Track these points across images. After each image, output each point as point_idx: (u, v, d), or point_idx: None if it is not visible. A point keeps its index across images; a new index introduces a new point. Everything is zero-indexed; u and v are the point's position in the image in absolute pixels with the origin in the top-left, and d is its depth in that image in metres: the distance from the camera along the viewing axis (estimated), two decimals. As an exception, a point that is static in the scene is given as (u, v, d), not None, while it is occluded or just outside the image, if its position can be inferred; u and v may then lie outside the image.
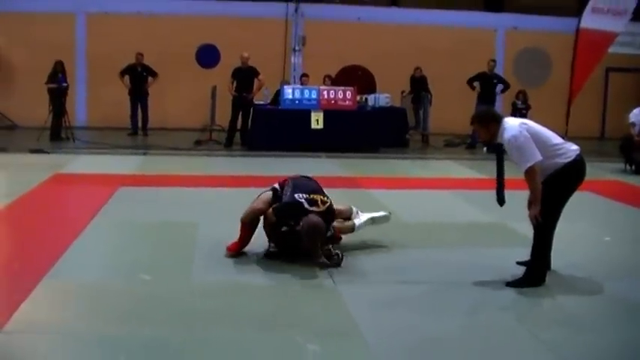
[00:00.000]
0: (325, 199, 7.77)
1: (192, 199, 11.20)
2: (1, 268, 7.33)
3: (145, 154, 16.78)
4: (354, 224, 8.50)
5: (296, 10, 22.68)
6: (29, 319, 5.89)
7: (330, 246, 7.76)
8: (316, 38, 22.34)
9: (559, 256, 7.41)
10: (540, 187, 6.81)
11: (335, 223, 8.17)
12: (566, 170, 6.95)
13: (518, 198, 7.29)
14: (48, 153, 16.23)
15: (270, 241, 7.92)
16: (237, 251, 7.82)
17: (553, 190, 6.91)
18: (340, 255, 7.65)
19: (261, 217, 7.84)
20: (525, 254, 7.25)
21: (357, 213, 8.67)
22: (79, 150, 16.98)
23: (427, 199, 12.06)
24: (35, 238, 8.62)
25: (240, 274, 7.30)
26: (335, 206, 8.03)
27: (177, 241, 8.49)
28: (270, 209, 7.70)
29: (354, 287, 6.97)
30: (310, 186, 7.97)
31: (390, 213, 8.97)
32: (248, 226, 7.81)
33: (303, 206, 7.55)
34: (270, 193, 7.91)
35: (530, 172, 6.76)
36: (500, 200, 7.59)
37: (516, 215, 8.00)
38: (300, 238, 7.55)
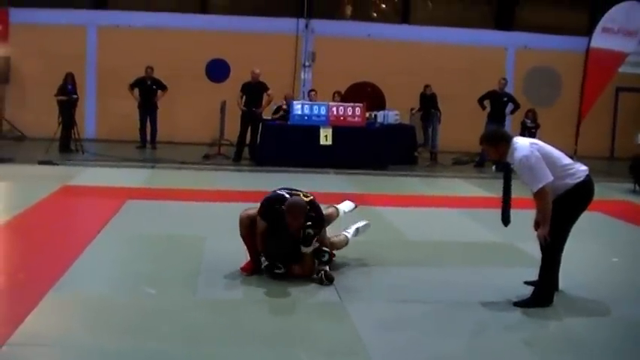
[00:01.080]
0: (308, 194, 7.82)
1: (200, 214, 11.19)
2: (7, 280, 7.33)
3: (153, 167, 16.78)
4: (347, 238, 8.51)
5: (306, 26, 22.76)
6: (34, 332, 5.88)
7: (327, 267, 7.71)
8: (326, 54, 22.39)
9: (567, 277, 7.38)
10: (550, 207, 6.74)
11: (331, 237, 8.23)
12: (576, 191, 6.90)
13: (525, 218, 7.28)
14: (57, 165, 16.24)
15: (264, 256, 7.85)
16: (250, 271, 7.78)
17: (562, 210, 6.83)
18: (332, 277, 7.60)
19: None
20: (532, 274, 7.22)
21: (344, 212, 8.80)
22: (87, 162, 17.01)
23: (435, 217, 12.02)
24: (42, 251, 8.61)
25: (246, 289, 7.27)
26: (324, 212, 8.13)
27: (184, 255, 8.47)
28: (257, 214, 7.69)
29: (360, 305, 6.95)
30: (294, 188, 8.03)
31: (369, 221, 8.98)
32: (248, 238, 7.78)
33: (284, 196, 7.63)
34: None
35: (541, 193, 6.71)
36: (506, 220, 7.61)
37: (523, 235, 7.98)
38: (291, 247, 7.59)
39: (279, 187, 8.00)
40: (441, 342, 6.08)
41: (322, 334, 6.21)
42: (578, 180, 6.91)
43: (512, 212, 7.55)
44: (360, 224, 8.80)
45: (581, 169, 7.02)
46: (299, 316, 6.68)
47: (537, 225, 7.00)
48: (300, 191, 7.88)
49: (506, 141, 6.98)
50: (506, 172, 7.37)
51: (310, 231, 7.54)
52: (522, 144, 6.91)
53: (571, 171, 6.94)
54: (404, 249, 9.41)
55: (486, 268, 8.54)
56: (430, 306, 7.02)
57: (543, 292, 7.05)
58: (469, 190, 15.04)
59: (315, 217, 7.59)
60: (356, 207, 9.21)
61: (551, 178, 6.70)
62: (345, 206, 8.99)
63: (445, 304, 7.08)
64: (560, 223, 6.88)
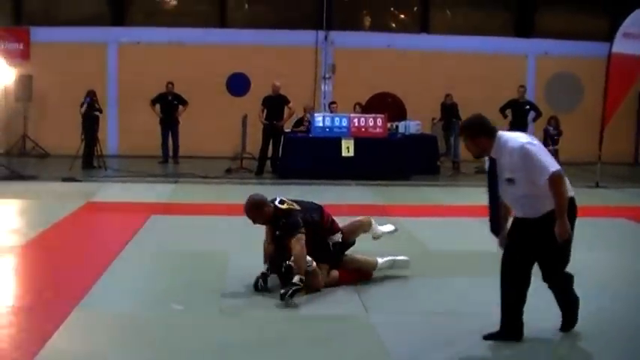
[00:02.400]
0: (294, 205, 7.87)
1: (224, 228, 11.19)
2: (34, 298, 7.36)
3: (175, 182, 16.81)
4: (376, 261, 8.38)
5: (326, 38, 22.80)
6: (62, 349, 5.90)
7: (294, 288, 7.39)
8: (346, 66, 22.44)
9: (599, 286, 7.25)
10: (567, 199, 5.87)
11: (359, 257, 8.24)
12: (572, 206, 6.01)
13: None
14: (80, 181, 16.32)
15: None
16: None
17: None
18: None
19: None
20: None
21: (375, 225, 8.66)
22: (110, 178, 17.08)
23: (457, 227, 11.96)
24: (68, 267, 8.65)
25: (272, 304, 7.24)
26: (353, 220, 8.37)
27: (209, 271, 8.47)
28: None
29: (385, 317, 6.93)
30: (300, 200, 8.16)
31: (408, 259, 8.68)
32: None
33: (274, 200, 7.91)
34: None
35: (557, 177, 5.75)
36: (496, 230, 6.51)
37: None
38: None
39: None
40: (466, 353, 6.04)
41: (348, 346, 6.19)
42: (571, 194, 6.01)
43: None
44: (399, 258, 8.61)
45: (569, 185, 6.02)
46: (325, 329, 6.64)
47: (499, 226, 6.38)
48: (294, 201, 7.96)
49: (486, 134, 6.07)
50: (492, 171, 6.16)
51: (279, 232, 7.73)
52: (515, 134, 6.14)
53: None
54: (427, 260, 9.36)
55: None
56: (454, 317, 6.97)
57: (573, 312, 6.44)
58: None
59: (285, 223, 7.65)
60: (396, 230, 9.07)
61: (558, 166, 5.81)
62: (386, 227, 8.88)
63: (469, 315, 7.03)
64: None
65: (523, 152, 5.82)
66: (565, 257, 6.16)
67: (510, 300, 6.19)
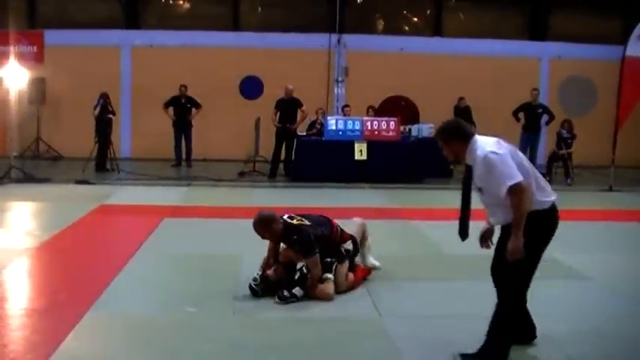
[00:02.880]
0: (304, 220, 7.87)
1: (236, 231, 11.14)
2: (47, 300, 7.38)
3: (189, 185, 16.83)
4: (374, 265, 8.54)
5: (338, 41, 22.79)
6: (75, 351, 5.91)
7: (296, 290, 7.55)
8: (359, 69, 22.44)
9: (604, 298, 7.21)
10: (528, 208, 5.58)
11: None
12: (545, 219, 5.78)
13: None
14: (93, 184, 16.37)
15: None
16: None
17: (532, 235, 5.66)
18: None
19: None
20: (570, 286, 7.02)
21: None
22: (123, 181, 17.10)
23: (471, 230, 11.88)
24: (81, 270, 8.68)
25: (285, 307, 7.24)
26: (357, 225, 8.49)
27: (222, 273, 8.47)
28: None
29: (399, 320, 6.92)
30: (308, 215, 8.15)
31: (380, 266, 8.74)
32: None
33: (282, 216, 7.84)
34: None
35: (516, 190, 5.49)
36: (463, 234, 6.45)
37: (562, 246, 7.87)
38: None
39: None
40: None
41: (361, 350, 6.18)
42: (544, 206, 5.76)
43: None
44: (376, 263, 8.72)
45: (549, 194, 5.86)
46: (339, 332, 6.63)
47: (484, 238, 6.31)
48: (302, 216, 7.97)
49: (458, 138, 5.86)
50: (466, 176, 5.98)
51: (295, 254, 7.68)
52: (485, 141, 5.79)
53: (542, 190, 5.80)
54: (441, 263, 9.35)
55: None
56: (469, 320, 6.94)
57: (495, 344, 5.93)
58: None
59: (297, 241, 7.60)
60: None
61: (520, 178, 5.51)
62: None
63: (484, 318, 6.98)
64: (530, 250, 5.69)
65: (485, 162, 5.62)
66: (512, 276, 5.83)
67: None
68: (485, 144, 5.71)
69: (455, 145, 5.88)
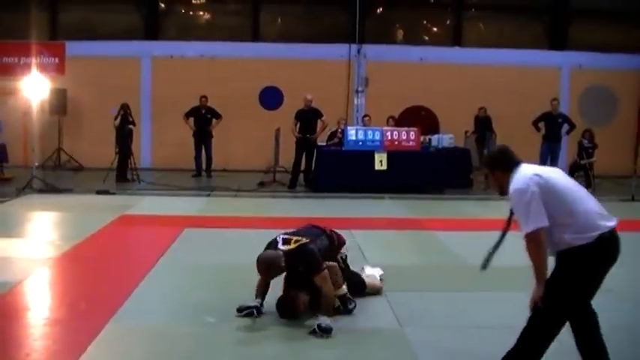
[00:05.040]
0: (300, 239, 7.43)
1: (257, 241, 11.11)
2: (69, 310, 7.40)
3: (209, 195, 16.86)
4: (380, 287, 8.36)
5: (358, 52, 22.80)
6: (96, 362, 5.92)
7: (347, 294, 7.47)
8: (379, 79, 22.43)
9: (625, 311, 7.14)
10: (543, 260, 5.25)
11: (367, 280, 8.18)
12: (589, 252, 5.19)
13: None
14: (114, 194, 16.43)
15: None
16: None
17: (571, 276, 5.27)
18: (354, 304, 7.42)
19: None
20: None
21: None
22: (144, 191, 17.15)
23: (491, 241, 11.81)
24: (102, 280, 8.70)
25: (305, 318, 7.20)
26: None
27: (243, 284, 8.42)
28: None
29: (420, 331, 6.88)
30: (301, 230, 7.83)
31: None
32: None
33: (277, 244, 7.39)
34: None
35: (530, 240, 5.23)
36: (485, 264, 6.17)
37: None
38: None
39: (285, 231, 7.73)
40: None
41: (384, 361, 6.16)
42: (589, 239, 5.17)
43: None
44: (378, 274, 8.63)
45: (599, 224, 5.24)
46: (360, 343, 6.60)
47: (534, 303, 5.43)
48: (300, 236, 7.55)
49: (501, 168, 5.56)
50: (511, 211, 5.56)
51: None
52: (522, 173, 5.39)
53: (581, 221, 5.22)
54: (463, 274, 9.30)
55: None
56: (491, 332, 6.91)
57: None
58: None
59: (302, 262, 7.27)
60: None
61: (544, 223, 5.17)
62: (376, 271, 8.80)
63: (506, 330, 6.94)
64: (565, 292, 5.29)
65: (512, 200, 5.39)
66: (540, 316, 5.38)
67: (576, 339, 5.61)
68: (519, 178, 5.36)
69: (498, 175, 5.60)
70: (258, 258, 7.21)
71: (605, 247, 5.21)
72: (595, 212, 5.29)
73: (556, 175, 5.49)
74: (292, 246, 7.32)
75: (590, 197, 5.44)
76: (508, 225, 5.66)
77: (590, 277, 5.27)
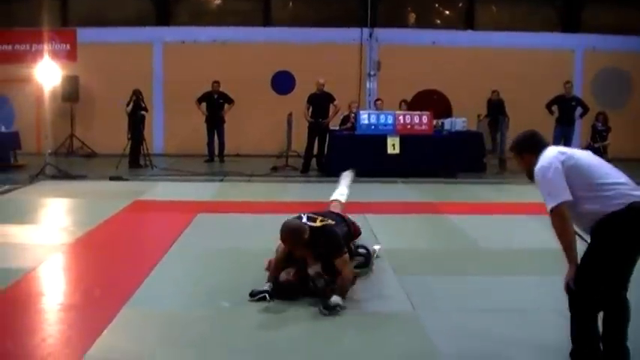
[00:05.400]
0: (326, 219, 7.55)
1: (270, 226, 11.10)
2: (83, 295, 7.43)
3: (222, 180, 16.85)
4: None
5: (370, 35, 22.75)
6: (111, 346, 5.93)
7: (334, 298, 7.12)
8: (391, 63, 22.38)
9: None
10: (570, 236, 5.22)
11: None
12: (620, 219, 5.11)
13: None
14: (127, 180, 16.45)
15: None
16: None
17: (599, 246, 5.21)
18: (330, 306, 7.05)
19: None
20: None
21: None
22: (157, 177, 17.19)
23: (506, 224, 11.83)
24: (116, 266, 8.71)
25: (318, 302, 7.18)
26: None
27: (256, 268, 8.42)
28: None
29: (434, 315, 6.86)
30: (324, 213, 7.93)
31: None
32: None
33: (301, 219, 7.44)
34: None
35: (555, 214, 5.22)
36: None
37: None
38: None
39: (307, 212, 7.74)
40: (516, 351, 5.96)
41: (397, 345, 6.13)
42: (619, 206, 5.12)
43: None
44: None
45: (629, 194, 5.19)
46: (373, 327, 6.59)
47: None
48: (325, 216, 7.67)
49: (529, 150, 5.59)
50: None
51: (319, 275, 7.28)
52: (547, 153, 5.45)
53: (610, 192, 5.18)
54: (476, 257, 9.30)
55: (559, 277, 8.37)
56: (505, 315, 6.89)
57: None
58: (539, 197, 14.70)
59: (326, 242, 7.29)
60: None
61: (567, 197, 5.18)
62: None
63: (519, 313, 6.95)
64: (599, 265, 5.20)
65: (536, 179, 5.41)
66: (585, 284, 5.22)
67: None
68: (544, 157, 5.41)
69: (526, 157, 5.61)
70: (283, 225, 7.23)
71: (636, 216, 5.12)
72: (623, 184, 5.26)
73: (582, 153, 5.54)
74: (318, 224, 7.40)
75: (618, 171, 5.40)
76: None
77: (621, 246, 5.15)
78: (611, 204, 5.12)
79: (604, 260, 5.17)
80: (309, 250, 7.29)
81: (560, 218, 5.18)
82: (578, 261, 5.26)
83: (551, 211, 5.22)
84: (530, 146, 5.60)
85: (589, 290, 5.20)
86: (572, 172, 5.26)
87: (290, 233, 7.18)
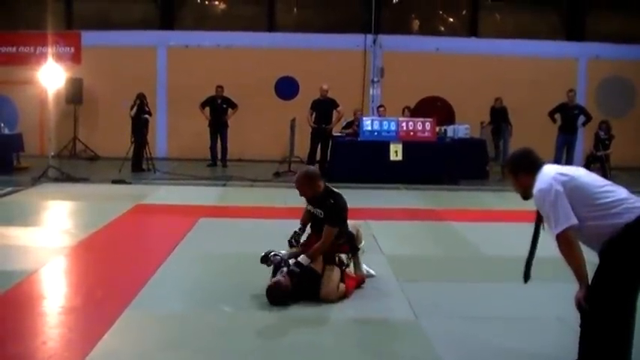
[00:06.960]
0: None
1: (272, 231, 11.14)
2: (85, 297, 7.43)
3: (224, 185, 16.85)
4: (368, 273, 8.36)
5: (374, 42, 22.76)
6: (113, 349, 5.93)
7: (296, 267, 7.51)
8: (395, 69, 22.38)
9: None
10: (578, 259, 5.05)
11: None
12: (634, 230, 4.91)
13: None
14: (129, 184, 16.46)
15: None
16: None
17: (610, 264, 5.02)
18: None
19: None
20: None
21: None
22: (159, 181, 17.19)
23: (509, 231, 11.77)
24: (118, 269, 8.72)
25: (320, 307, 7.21)
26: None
27: (258, 273, 8.43)
28: None
29: (435, 322, 6.85)
30: None
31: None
32: None
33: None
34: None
35: (561, 241, 5.04)
36: (526, 275, 5.89)
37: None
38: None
39: None
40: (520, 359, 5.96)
41: (399, 352, 6.14)
42: (629, 219, 4.93)
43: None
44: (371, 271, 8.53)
45: (635, 206, 5.00)
46: (375, 333, 6.59)
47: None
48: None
49: (526, 171, 5.32)
50: (537, 215, 5.40)
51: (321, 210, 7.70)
52: (545, 173, 5.20)
53: (616, 209, 4.98)
54: (479, 264, 9.29)
55: (561, 284, 8.35)
56: (508, 323, 6.89)
57: None
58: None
59: (332, 206, 7.63)
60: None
61: (572, 221, 4.97)
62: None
63: (521, 320, 6.95)
64: (611, 283, 5.01)
65: (536, 202, 5.20)
66: (598, 303, 5.04)
67: None
68: (542, 179, 5.16)
69: (522, 177, 5.36)
70: (300, 171, 7.83)
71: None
72: (626, 199, 5.06)
73: (580, 172, 5.29)
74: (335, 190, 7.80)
75: (618, 186, 5.20)
76: (537, 230, 5.52)
77: (633, 257, 4.94)
78: (622, 219, 4.93)
79: (616, 275, 4.98)
80: (314, 199, 7.81)
81: (567, 243, 5.02)
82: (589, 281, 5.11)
83: (558, 237, 5.03)
84: (526, 166, 5.36)
85: (604, 306, 5.01)
86: (574, 193, 5.05)
87: (305, 177, 7.79)
